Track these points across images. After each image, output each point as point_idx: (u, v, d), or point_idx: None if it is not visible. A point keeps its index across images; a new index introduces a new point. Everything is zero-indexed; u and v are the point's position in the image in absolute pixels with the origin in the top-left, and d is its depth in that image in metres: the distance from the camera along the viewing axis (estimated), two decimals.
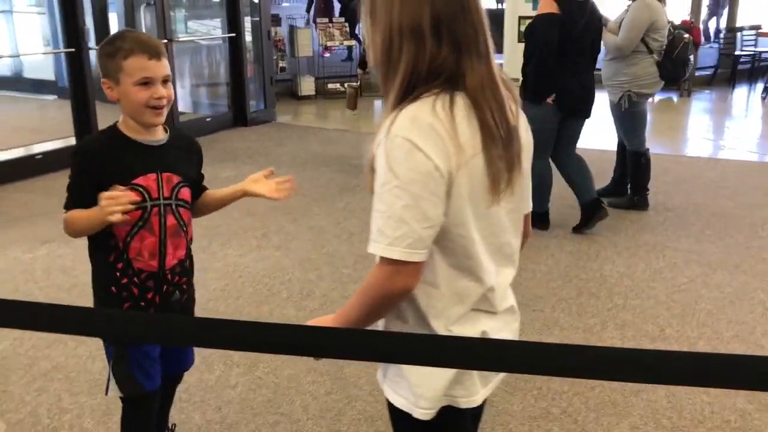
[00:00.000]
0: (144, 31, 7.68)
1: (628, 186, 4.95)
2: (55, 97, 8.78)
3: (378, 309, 1.38)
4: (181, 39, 7.61)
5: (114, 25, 8.36)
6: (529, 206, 1.53)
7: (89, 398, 2.70)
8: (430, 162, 1.26)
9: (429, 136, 1.27)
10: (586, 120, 4.43)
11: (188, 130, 6.98)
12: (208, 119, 7.44)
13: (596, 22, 4.26)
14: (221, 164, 5.99)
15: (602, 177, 5.21)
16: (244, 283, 3.71)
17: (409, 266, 1.29)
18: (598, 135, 6.46)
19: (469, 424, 1.60)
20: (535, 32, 4.19)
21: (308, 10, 10.55)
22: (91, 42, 8.02)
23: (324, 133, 7.24)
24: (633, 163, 4.83)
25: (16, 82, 9.62)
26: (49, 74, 8.66)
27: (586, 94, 4.26)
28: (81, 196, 1.80)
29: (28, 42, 9.52)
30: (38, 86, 8.81)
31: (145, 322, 1.37)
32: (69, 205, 1.83)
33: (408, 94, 1.32)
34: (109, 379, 1.97)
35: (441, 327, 1.40)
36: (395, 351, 1.15)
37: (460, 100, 1.32)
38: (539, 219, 4.43)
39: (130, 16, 7.96)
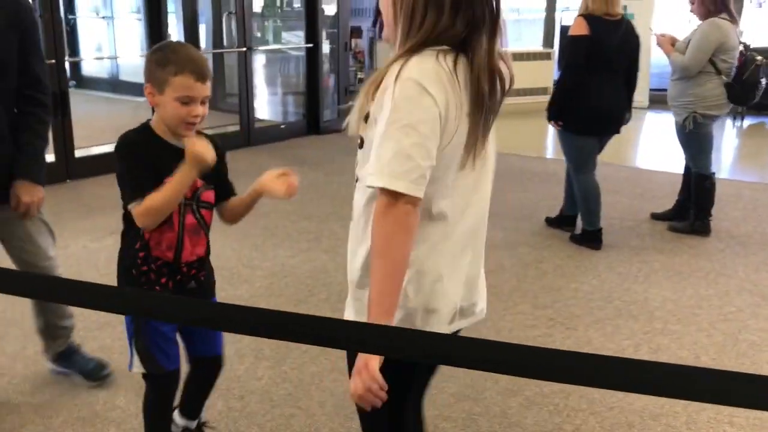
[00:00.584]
0: (225, 38, 8.04)
1: (691, 211, 4.82)
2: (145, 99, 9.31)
3: (397, 251, 1.40)
4: (260, 48, 7.92)
5: (202, 32, 8.78)
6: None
7: (126, 379, 2.88)
8: (437, 107, 1.39)
9: (437, 83, 1.40)
10: (616, 136, 4.55)
11: (263, 136, 7.36)
12: (282, 126, 7.70)
13: (632, 42, 4.29)
14: (289, 169, 6.19)
15: (667, 200, 5.11)
16: (287, 283, 3.85)
17: (412, 199, 1.38)
18: (665, 157, 6.30)
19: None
20: (565, 53, 4.32)
21: (374, 25, 10.58)
22: None
23: None
24: (697, 186, 4.70)
25: (113, 84, 10.24)
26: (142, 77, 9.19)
27: (607, 113, 4.34)
28: (146, 181, 1.89)
29: (127, 46, 10.13)
30: (133, 88, 9.35)
31: (152, 300, 1.49)
32: (138, 195, 1.89)
33: (418, 50, 1.44)
34: (132, 355, 2.12)
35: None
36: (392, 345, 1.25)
37: (462, 61, 1.45)
38: (590, 238, 4.42)
39: (217, 25, 8.35)
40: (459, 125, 1.44)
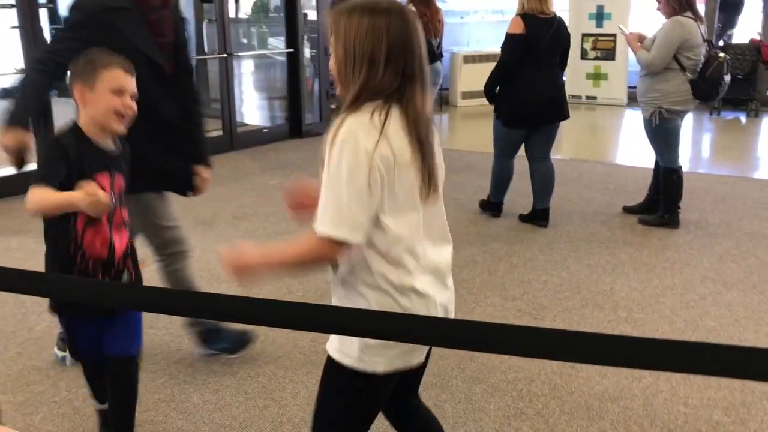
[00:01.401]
0: (206, 44, 8.14)
1: (660, 204, 4.94)
2: None
3: (300, 269, 1.71)
4: (240, 54, 8.02)
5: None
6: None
7: (146, 375, 2.98)
8: (370, 159, 1.54)
9: (370, 138, 1.55)
10: (554, 126, 4.86)
11: (246, 139, 7.47)
12: (264, 130, 7.80)
13: (563, 38, 4.69)
14: (271, 172, 6.31)
15: (640, 194, 5.23)
16: (299, 285, 3.91)
17: (344, 246, 1.57)
18: (641, 153, 6.43)
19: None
20: (501, 50, 4.72)
21: None
22: None
23: None
24: (665, 180, 4.83)
25: None
26: None
27: (535, 107, 4.69)
28: (54, 178, 1.99)
29: None
30: None
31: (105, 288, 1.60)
32: (39, 182, 1.97)
33: (357, 103, 1.61)
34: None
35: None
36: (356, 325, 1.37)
37: (395, 113, 1.61)
38: (493, 207, 5.09)
39: (199, 32, 8.45)
40: (402, 170, 1.59)
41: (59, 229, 2.11)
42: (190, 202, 5.43)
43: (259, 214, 5.14)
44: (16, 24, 5.53)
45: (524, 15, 4.58)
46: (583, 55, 9.90)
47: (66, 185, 2.02)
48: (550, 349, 1.28)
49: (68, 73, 2.21)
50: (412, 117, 1.61)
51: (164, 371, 3.03)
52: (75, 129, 2.13)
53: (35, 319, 3.49)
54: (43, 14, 7.23)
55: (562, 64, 4.83)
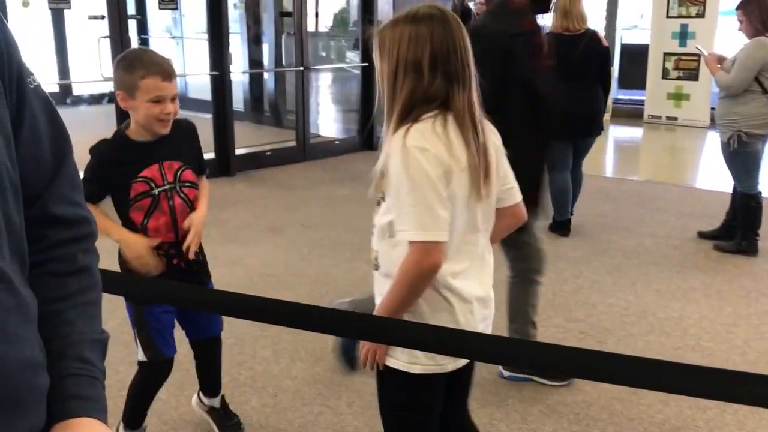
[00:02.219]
0: (284, 57, 8.35)
1: (738, 230, 4.76)
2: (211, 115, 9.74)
3: (416, 290, 1.67)
4: (316, 67, 8.19)
5: (265, 51, 9.13)
6: (516, 198, 1.84)
7: (171, 374, 3.09)
8: (443, 164, 1.60)
9: (437, 144, 1.60)
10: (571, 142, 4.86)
11: (318, 150, 7.58)
12: (336, 141, 7.92)
13: (596, 51, 4.71)
14: (341, 183, 6.40)
15: (715, 219, 5.06)
16: (328, 291, 4.01)
17: (439, 245, 1.61)
18: (715, 176, 6.21)
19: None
20: None
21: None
22: (241, 66, 8.79)
23: None
24: (743, 206, 4.66)
25: (183, 101, 10.70)
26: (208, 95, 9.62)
27: (568, 117, 4.56)
28: (92, 192, 2.09)
29: (195, 65, 10.56)
30: (199, 105, 9.77)
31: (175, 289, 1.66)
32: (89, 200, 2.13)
33: (408, 114, 1.64)
34: (137, 344, 2.33)
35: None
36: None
37: (452, 121, 1.64)
38: (559, 226, 5.00)
39: (278, 45, 8.67)
40: (460, 174, 1.63)
41: (122, 224, 2.20)
42: (263, 209, 5.60)
43: (327, 223, 5.22)
44: (107, 34, 5.81)
45: (551, 34, 4.59)
46: (665, 75, 9.66)
47: (113, 191, 2.15)
48: (597, 372, 1.27)
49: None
50: (461, 119, 1.64)
51: (226, 373, 3.10)
52: (117, 134, 2.22)
53: (108, 316, 3.60)
54: (132, 25, 7.55)
55: (602, 80, 4.82)
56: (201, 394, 2.64)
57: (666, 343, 3.41)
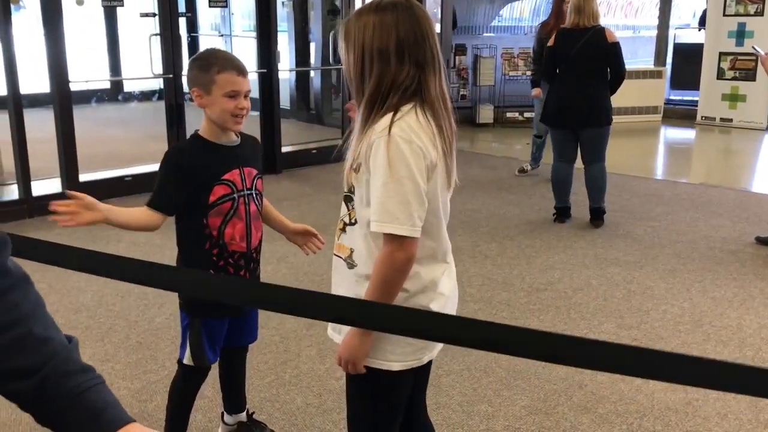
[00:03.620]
0: (332, 56, 8.36)
1: None
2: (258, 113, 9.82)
3: (392, 284, 1.63)
4: None
5: (312, 49, 9.15)
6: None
7: (215, 370, 3.08)
8: (428, 156, 1.59)
9: (421, 135, 1.60)
10: (589, 132, 5.03)
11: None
12: None
13: (596, 47, 4.91)
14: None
15: (710, 205, 4.94)
16: None
17: (413, 240, 1.60)
18: None
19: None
20: None
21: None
22: (288, 64, 8.82)
23: (490, 160, 7.39)
24: None
25: None
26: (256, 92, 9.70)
27: (560, 109, 5.06)
28: (167, 202, 2.12)
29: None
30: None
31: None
32: (153, 204, 2.12)
33: (377, 103, 1.63)
34: (184, 348, 2.30)
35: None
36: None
37: (428, 109, 1.65)
38: (559, 213, 5.27)
39: (326, 43, 8.67)
40: (438, 162, 1.64)
41: (192, 230, 2.17)
42: (308, 207, 5.59)
43: None
44: (157, 31, 5.87)
45: (559, 29, 5.15)
46: (720, 75, 9.38)
47: (193, 194, 2.12)
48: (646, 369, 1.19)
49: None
50: (431, 105, 1.64)
51: (271, 371, 3.10)
52: (194, 137, 2.21)
53: (156, 311, 3.67)
54: (182, 22, 7.63)
55: (614, 74, 4.97)
56: (225, 416, 2.60)
57: (723, 353, 3.28)
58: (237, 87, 2.10)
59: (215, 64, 2.11)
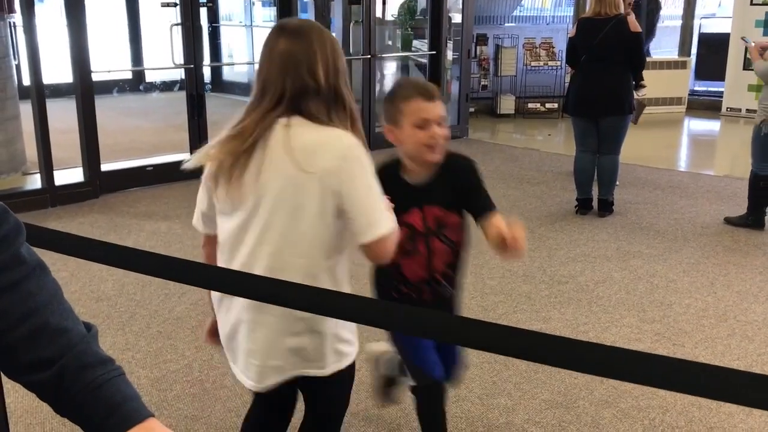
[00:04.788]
0: (351, 45, 8.32)
1: None
2: None
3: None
4: (384, 55, 8.13)
5: None
6: None
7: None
8: None
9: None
10: (611, 123, 5.00)
11: (383, 140, 7.49)
12: None
13: (619, 36, 4.87)
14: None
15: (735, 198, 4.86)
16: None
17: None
18: None
19: None
20: None
21: None
22: None
23: (510, 151, 7.32)
24: (751, 183, 4.86)
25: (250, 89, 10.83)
26: None
27: (583, 99, 5.04)
28: None
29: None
30: None
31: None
32: None
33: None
34: (403, 372, 2.27)
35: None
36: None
37: None
38: (580, 204, 5.26)
39: (347, 33, 8.64)
40: None
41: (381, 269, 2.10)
42: None
43: None
44: (178, 21, 5.88)
45: (581, 19, 5.20)
46: (746, 65, 9.21)
47: None
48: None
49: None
50: None
51: None
52: (392, 164, 2.05)
53: (176, 300, 3.69)
54: (203, 12, 7.63)
55: (632, 64, 4.96)
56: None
57: (749, 349, 3.23)
58: (425, 114, 1.94)
59: (400, 93, 1.98)
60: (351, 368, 1.85)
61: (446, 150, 2.03)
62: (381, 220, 1.66)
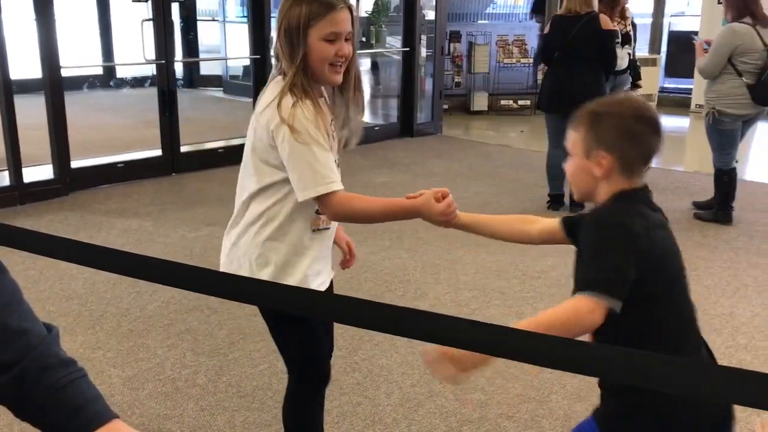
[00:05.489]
0: None
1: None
2: (252, 100, 9.76)
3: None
4: (357, 52, 8.11)
5: None
6: None
7: (207, 359, 3.08)
8: None
9: None
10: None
11: None
12: (376, 128, 7.84)
13: (589, 33, 4.94)
14: (379, 170, 6.34)
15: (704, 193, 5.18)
16: (366, 279, 3.96)
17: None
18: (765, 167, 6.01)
19: None
20: None
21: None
22: None
23: (484, 148, 7.36)
24: (716, 179, 5.01)
25: (223, 84, 10.75)
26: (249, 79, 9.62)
27: (552, 94, 5.12)
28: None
29: (235, 48, 10.59)
30: (241, 89, 9.77)
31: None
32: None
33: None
34: None
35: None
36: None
37: None
38: (552, 200, 5.34)
39: None
40: None
41: None
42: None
43: None
44: (150, 16, 5.82)
45: (554, 16, 5.25)
46: None
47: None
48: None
49: None
50: None
51: (264, 359, 3.09)
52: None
53: (147, 299, 3.65)
54: (175, 8, 7.57)
55: (604, 61, 5.03)
56: None
57: (717, 341, 3.28)
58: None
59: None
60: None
61: None
62: (303, 187, 1.80)
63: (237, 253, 1.95)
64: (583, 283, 1.48)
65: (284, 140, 1.78)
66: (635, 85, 5.67)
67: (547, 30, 5.25)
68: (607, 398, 1.68)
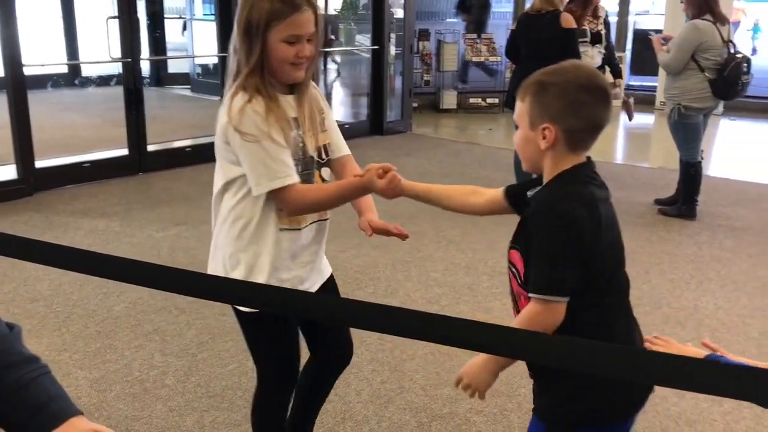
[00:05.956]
0: None
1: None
2: (220, 98, 9.68)
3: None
4: (326, 50, 8.11)
5: None
6: None
7: (176, 359, 3.06)
8: None
9: None
10: None
11: None
12: (346, 126, 7.83)
13: (550, 32, 4.95)
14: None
15: (731, 208, 5.02)
16: (336, 277, 3.94)
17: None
18: (728, 163, 6.13)
19: None
20: None
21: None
22: None
23: (453, 146, 7.40)
24: (682, 173, 5.08)
25: (190, 82, 10.64)
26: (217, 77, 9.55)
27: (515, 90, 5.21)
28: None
29: (203, 46, 10.50)
30: (208, 87, 9.69)
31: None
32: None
33: None
34: None
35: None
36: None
37: None
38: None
39: None
40: None
41: None
42: None
43: (333, 209, 5.16)
44: (115, 14, 5.74)
45: (521, 14, 5.34)
46: None
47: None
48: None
49: None
50: None
51: (233, 358, 3.07)
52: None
53: (115, 300, 3.61)
54: (141, 6, 7.48)
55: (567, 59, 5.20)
56: None
57: (681, 335, 3.35)
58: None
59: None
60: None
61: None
62: (257, 182, 1.82)
63: (217, 254, 1.98)
64: (535, 287, 1.54)
65: (234, 140, 1.80)
66: (613, 84, 5.71)
67: (513, 27, 5.30)
68: (539, 391, 1.73)
